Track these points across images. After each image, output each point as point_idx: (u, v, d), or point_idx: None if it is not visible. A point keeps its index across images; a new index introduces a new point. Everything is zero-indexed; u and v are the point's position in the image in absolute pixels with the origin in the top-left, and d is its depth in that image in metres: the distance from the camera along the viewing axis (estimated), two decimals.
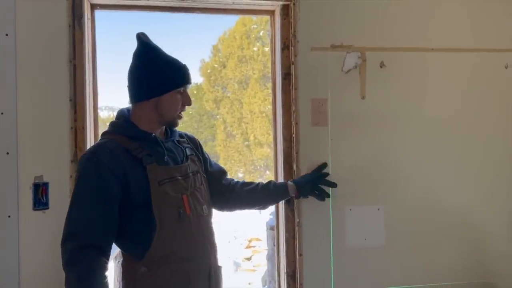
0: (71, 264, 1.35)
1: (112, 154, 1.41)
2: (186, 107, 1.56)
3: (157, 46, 1.54)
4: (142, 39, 1.53)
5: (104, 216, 1.39)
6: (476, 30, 2.42)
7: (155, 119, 1.51)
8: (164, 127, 1.60)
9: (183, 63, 1.54)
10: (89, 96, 2.08)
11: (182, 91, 1.52)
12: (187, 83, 1.52)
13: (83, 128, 2.00)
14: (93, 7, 2.14)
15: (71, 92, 1.99)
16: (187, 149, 1.63)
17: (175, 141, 1.61)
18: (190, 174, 1.55)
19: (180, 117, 1.56)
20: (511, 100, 2.45)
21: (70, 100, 1.99)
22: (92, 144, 2.10)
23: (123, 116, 1.53)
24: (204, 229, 1.54)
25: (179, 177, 1.50)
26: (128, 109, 1.57)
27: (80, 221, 1.38)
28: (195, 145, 1.71)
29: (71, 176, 1.97)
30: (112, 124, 1.53)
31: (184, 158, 1.58)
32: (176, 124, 1.56)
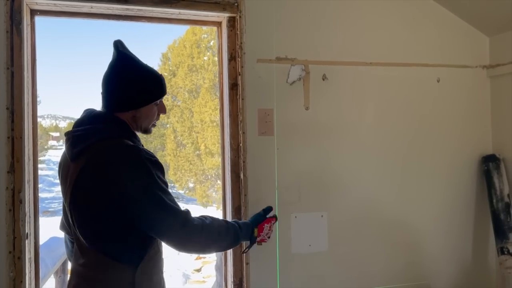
0: (201, 229, 1.43)
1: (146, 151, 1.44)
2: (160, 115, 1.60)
3: (135, 56, 1.54)
4: (119, 48, 1.51)
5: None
6: (411, 46, 2.58)
7: (132, 127, 1.53)
8: None
9: (159, 73, 1.56)
10: (28, 105, 1.99)
11: (158, 102, 1.55)
12: (164, 94, 1.55)
13: (21, 137, 1.91)
14: (33, 13, 2.07)
15: (8, 100, 1.90)
16: None
17: None
18: None
19: (154, 125, 1.60)
20: (443, 111, 2.64)
21: (7, 109, 1.90)
22: (30, 154, 2.01)
23: (116, 121, 1.48)
24: None
25: None
26: (105, 113, 1.51)
27: (174, 203, 1.41)
28: None
29: (7, 188, 1.88)
30: (113, 129, 1.45)
31: None
32: (150, 132, 1.60)
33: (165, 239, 1.41)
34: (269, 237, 1.75)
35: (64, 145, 1.50)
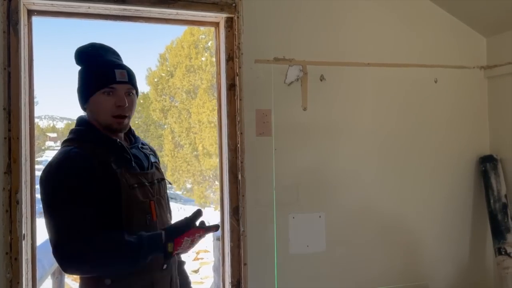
0: (73, 262, 1.26)
1: (83, 158, 1.33)
2: (126, 108, 1.42)
3: (83, 53, 1.46)
4: (82, 48, 1.47)
5: (89, 217, 1.27)
6: (409, 47, 2.59)
7: (97, 125, 1.43)
8: (126, 134, 1.55)
9: (107, 62, 1.43)
10: (25, 105, 1.99)
11: (110, 92, 1.39)
12: (108, 82, 1.39)
13: (18, 138, 1.90)
14: (30, 13, 2.06)
15: (5, 101, 1.90)
16: (150, 156, 1.58)
17: (139, 148, 1.56)
18: (155, 181, 1.50)
19: (117, 121, 1.42)
20: (441, 112, 2.64)
21: (4, 109, 1.89)
22: (27, 155, 2.00)
23: (86, 123, 1.46)
24: None
25: (147, 183, 1.45)
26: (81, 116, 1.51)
27: (67, 228, 1.26)
28: (156, 155, 1.66)
29: (4, 189, 1.87)
30: (75, 131, 1.45)
31: (149, 165, 1.54)
32: (115, 129, 1.43)
33: None
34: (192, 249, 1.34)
35: None
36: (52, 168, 1.33)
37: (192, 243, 1.33)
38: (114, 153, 1.41)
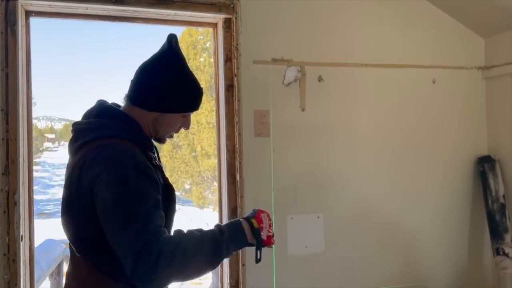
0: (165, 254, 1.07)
1: (141, 156, 1.22)
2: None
3: (184, 58, 1.40)
4: (172, 43, 1.35)
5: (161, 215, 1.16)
6: (407, 47, 2.59)
7: (148, 130, 1.34)
8: None
9: (201, 86, 1.39)
10: (23, 106, 1.98)
11: (186, 114, 1.38)
12: (196, 109, 1.39)
13: (16, 139, 1.90)
14: (28, 14, 2.06)
15: (3, 102, 1.89)
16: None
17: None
18: None
19: (171, 137, 1.43)
20: (439, 113, 2.64)
21: (2, 110, 1.89)
22: (25, 156, 2.00)
23: (125, 117, 1.30)
24: None
25: None
26: (118, 106, 1.35)
27: (150, 219, 1.12)
28: None
29: (1, 190, 1.87)
30: (117, 127, 1.26)
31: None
32: (164, 142, 1.41)
33: (126, 270, 1.08)
34: (273, 235, 1.36)
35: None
36: (118, 157, 1.17)
37: (269, 219, 1.35)
38: (152, 157, 1.34)
